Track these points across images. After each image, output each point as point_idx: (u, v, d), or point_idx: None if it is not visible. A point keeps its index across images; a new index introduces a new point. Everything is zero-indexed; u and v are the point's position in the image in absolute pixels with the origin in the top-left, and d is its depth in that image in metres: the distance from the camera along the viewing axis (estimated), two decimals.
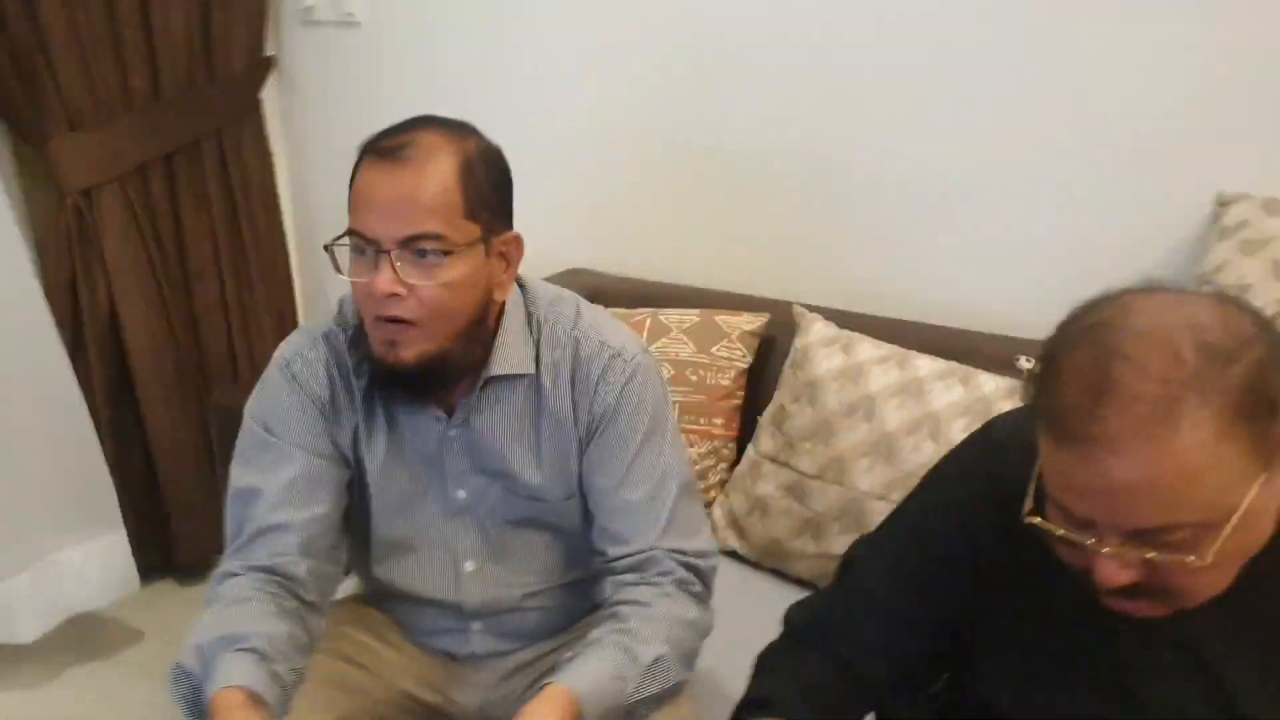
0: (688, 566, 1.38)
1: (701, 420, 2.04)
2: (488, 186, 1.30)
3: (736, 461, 2.04)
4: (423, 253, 1.25)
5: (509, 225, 1.36)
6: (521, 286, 1.45)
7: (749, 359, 2.08)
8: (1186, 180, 1.83)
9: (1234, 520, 0.88)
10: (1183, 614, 0.98)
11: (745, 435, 2.05)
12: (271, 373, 1.42)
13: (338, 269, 1.30)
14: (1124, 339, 0.87)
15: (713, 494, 2.04)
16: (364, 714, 1.47)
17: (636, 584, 1.37)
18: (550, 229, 2.56)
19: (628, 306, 2.19)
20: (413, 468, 1.44)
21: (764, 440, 1.96)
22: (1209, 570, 0.90)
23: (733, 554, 1.97)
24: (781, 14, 2.14)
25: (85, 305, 2.41)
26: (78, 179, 2.34)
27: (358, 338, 1.37)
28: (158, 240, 2.54)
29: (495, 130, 2.49)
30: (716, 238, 2.34)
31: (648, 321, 2.13)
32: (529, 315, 1.42)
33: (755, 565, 1.94)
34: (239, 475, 1.40)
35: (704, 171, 2.32)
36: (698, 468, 2.03)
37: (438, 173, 1.25)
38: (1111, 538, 0.90)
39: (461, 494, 1.45)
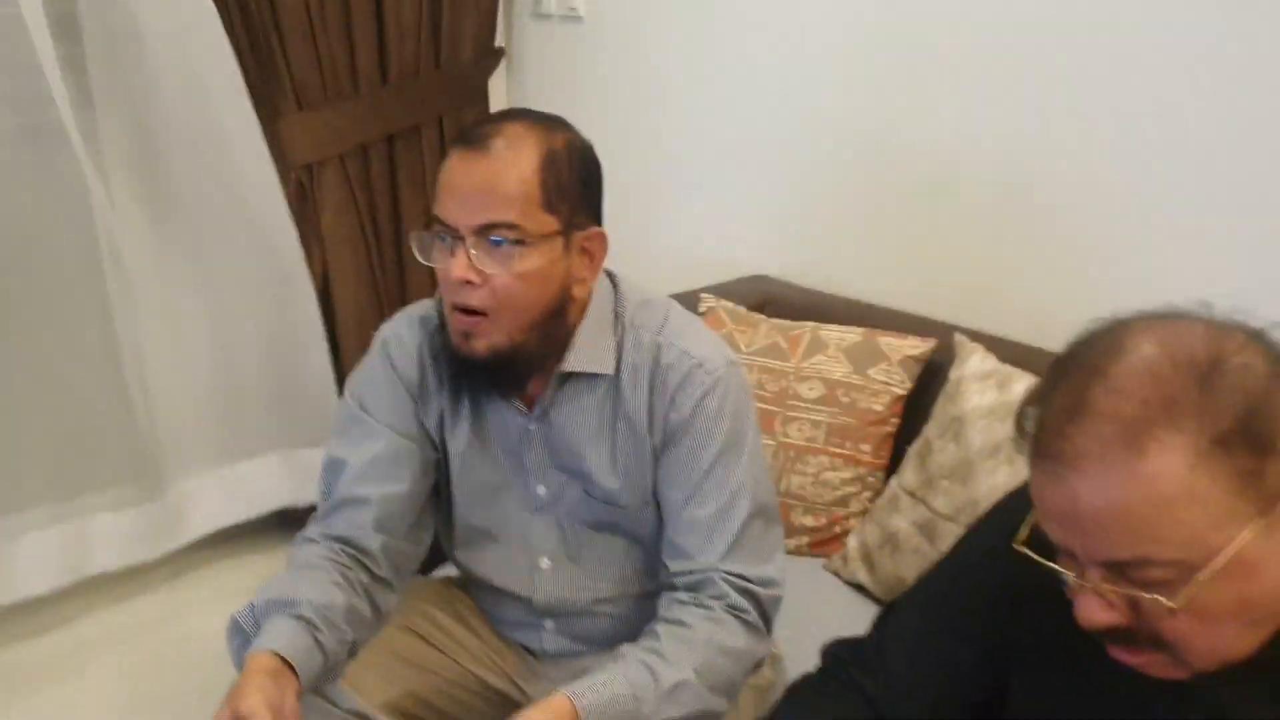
0: (745, 593, 1.32)
1: (848, 445, 1.95)
2: (571, 180, 1.29)
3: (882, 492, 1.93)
4: (498, 241, 1.25)
5: (594, 221, 1.34)
6: (614, 286, 1.42)
7: (907, 385, 1.96)
8: None
9: (1216, 564, 0.79)
10: (1216, 682, 0.89)
11: (896, 465, 1.93)
12: (372, 350, 1.47)
13: (419, 255, 1.33)
14: (1110, 360, 0.81)
15: (852, 522, 1.94)
16: (432, 692, 1.50)
17: (686, 604, 1.32)
18: (739, 231, 2.52)
19: (793, 318, 2.11)
20: (495, 458, 1.45)
21: (907, 473, 1.85)
22: (1203, 622, 0.83)
23: (860, 588, 1.87)
24: (983, 27, 2.00)
25: None
26: (302, 154, 2.50)
27: (443, 324, 1.39)
28: (373, 217, 2.68)
29: (695, 127, 2.50)
30: (898, 254, 2.23)
31: (806, 336, 2.04)
32: (616, 316, 1.40)
33: (879, 602, 1.83)
34: (332, 447, 1.45)
35: (889, 185, 2.21)
36: (839, 493, 1.94)
37: (518, 163, 1.26)
38: (1091, 571, 0.84)
39: (542, 490, 1.45)
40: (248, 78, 2.38)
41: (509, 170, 1.25)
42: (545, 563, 1.47)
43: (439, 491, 1.49)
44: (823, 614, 1.76)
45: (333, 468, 1.44)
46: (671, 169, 2.63)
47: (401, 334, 1.45)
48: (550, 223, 1.27)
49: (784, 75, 2.36)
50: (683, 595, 1.33)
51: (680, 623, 1.29)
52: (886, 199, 2.22)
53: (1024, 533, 0.91)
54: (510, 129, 1.28)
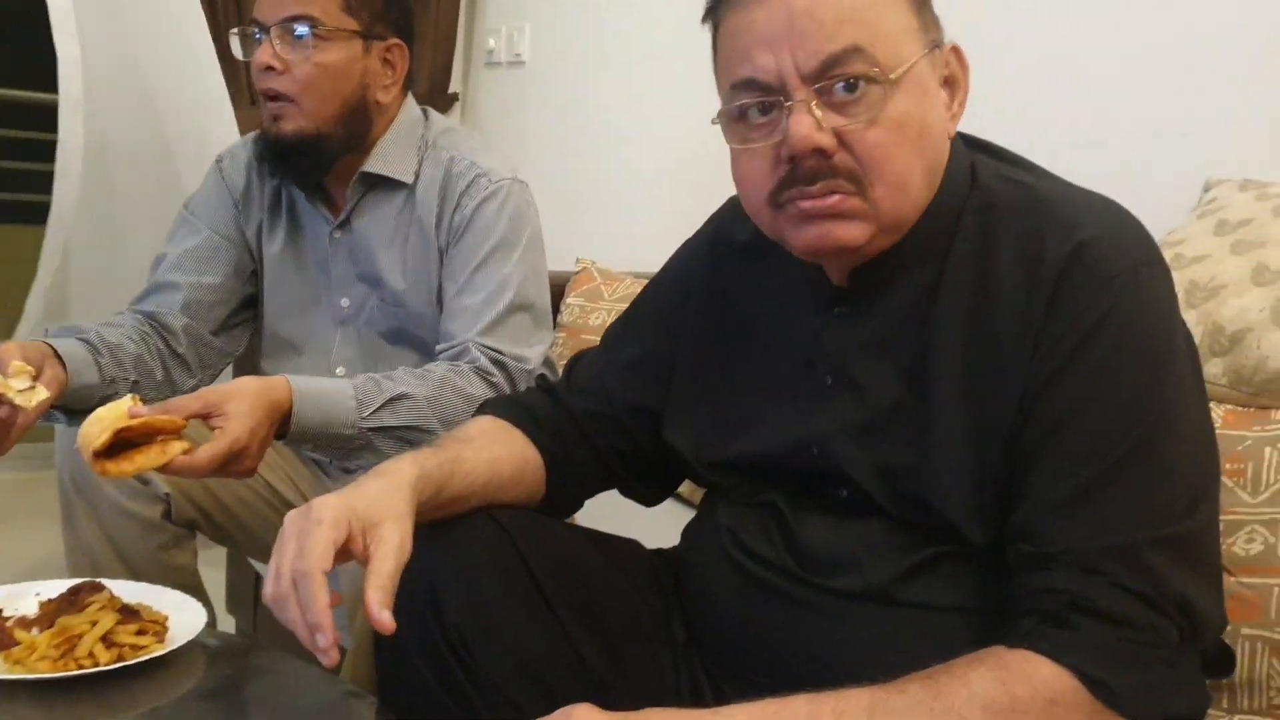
0: (496, 362, 1.43)
1: None
2: None
3: None
4: (300, 35, 1.44)
5: (397, 37, 1.52)
6: (425, 115, 1.60)
7: None
8: (1179, 162, 1.70)
9: (905, 67, 0.92)
10: (838, 343, 1.02)
11: None
12: (210, 167, 1.64)
13: (239, 53, 1.52)
14: None
15: None
16: (223, 489, 1.58)
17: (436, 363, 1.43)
18: (645, 235, 2.68)
19: None
20: (306, 271, 1.60)
21: None
22: (897, 135, 0.92)
23: None
24: None
25: None
26: None
27: None
28: None
29: (614, 151, 2.68)
30: None
31: None
32: (422, 138, 1.56)
33: None
34: (161, 248, 1.61)
35: None
36: None
37: None
38: (802, 90, 0.92)
39: (345, 301, 1.58)
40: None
41: None
42: (340, 370, 1.59)
43: (256, 304, 1.63)
44: None
45: (155, 263, 1.59)
46: (594, 187, 2.83)
47: (236, 150, 1.63)
48: (349, 23, 1.46)
49: (687, 105, 2.57)
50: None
51: (423, 369, 1.40)
52: None
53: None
54: None
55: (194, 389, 1.56)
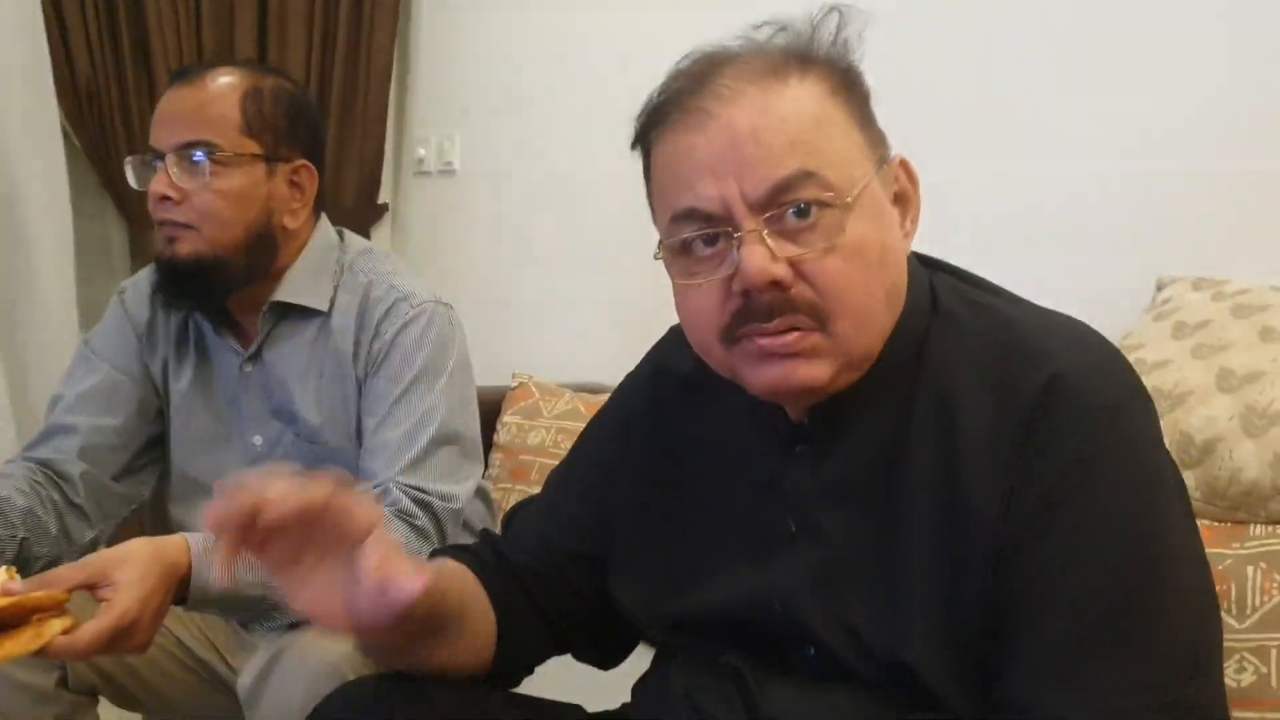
0: (420, 502, 1.33)
1: None
2: (275, 114, 1.40)
3: None
4: (197, 159, 1.35)
5: (304, 158, 1.43)
6: (341, 238, 1.51)
7: None
8: (1130, 261, 1.66)
9: (859, 189, 0.84)
10: (799, 486, 0.93)
11: None
12: (112, 299, 1.54)
13: (134, 182, 1.42)
14: (720, 53, 0.89)
15: None
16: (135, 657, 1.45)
17: None
18: (580, 347, 2.60)
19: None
20: (216, 407, 1.49)
21: None
22: (856, 262, 0.84)
23: None
24: None
25: None
26: None
27: None
28: None
29: (545, 257, 2.61)
30: None
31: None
32: (338, 262, 1.47)
33: None
34: (57, 387, 1.49)
35: None
36: None
37: (220, 92, 1.38)
38: (752, 220, 0.84)
39: (258, 439, 1.47)
40: (129, 200, 2.56)
41: (212, 98, 1.37)
42: None
43: (164, 443, 1.51)
44: None
45: (50, 404, 1.47)
46: (529, 298, 2.75)
47: (139, 282, 1.53)
48: (250, 146, 1.38)
49: (623, 212, 2.52)
50: None
51: None
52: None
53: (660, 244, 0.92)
54: (221, 69, 1.41)
55: (93, 541, 1.43)
